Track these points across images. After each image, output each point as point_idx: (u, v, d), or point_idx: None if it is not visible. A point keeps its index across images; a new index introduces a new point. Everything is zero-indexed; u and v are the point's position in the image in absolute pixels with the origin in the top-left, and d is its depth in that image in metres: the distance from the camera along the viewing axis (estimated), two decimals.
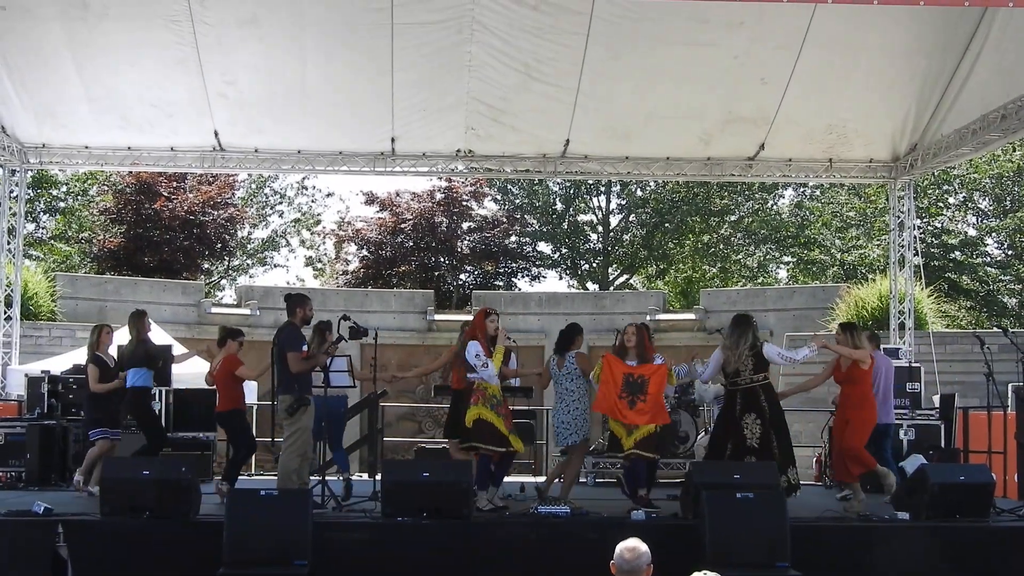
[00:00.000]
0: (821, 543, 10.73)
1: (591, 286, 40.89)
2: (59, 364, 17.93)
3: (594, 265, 41.73)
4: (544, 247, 41.17)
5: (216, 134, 17.79)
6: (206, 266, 37.26)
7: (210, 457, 16.24)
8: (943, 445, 15.24)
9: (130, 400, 13.34)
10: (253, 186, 41.28)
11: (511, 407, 13.35)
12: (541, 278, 39.74)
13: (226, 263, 39.62)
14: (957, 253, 36.20)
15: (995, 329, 17.88)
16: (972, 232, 38.11)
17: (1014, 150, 34.60)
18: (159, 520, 10.45)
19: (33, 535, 10.21)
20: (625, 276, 42.14)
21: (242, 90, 16.81)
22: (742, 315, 12.72)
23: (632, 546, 6.68)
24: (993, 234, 37.82)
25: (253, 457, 19.88)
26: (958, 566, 10.69)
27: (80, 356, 18.15)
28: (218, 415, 13.73)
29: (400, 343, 25.70)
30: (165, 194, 33.04)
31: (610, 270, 41.43)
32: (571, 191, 40.41)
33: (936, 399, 16.59)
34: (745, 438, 11.98)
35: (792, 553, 9.82)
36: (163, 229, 33.01)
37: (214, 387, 13.71)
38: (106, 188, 36.04)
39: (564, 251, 41.44)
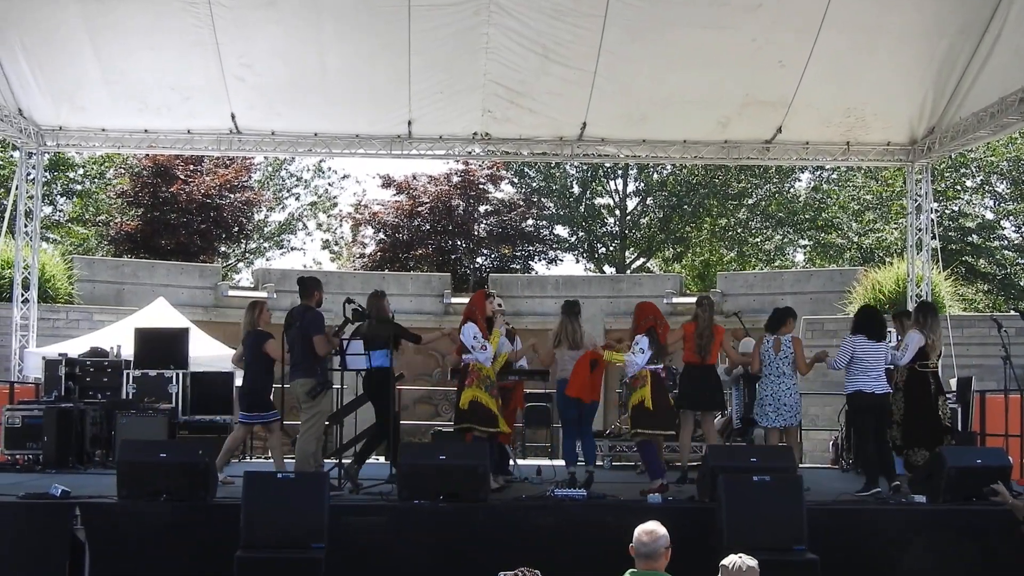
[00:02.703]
0: (838, 527, 10.74)
1: (608, 269, 40.84)
2: (76, 347, 17.99)
3: (611, 248, 41.67)
4: (561, 230, 41.17)
5: (233, 117, 17.79)
6: (223, 249, 37.37)
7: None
8: (960, 428, 15.20)
9: (376, 380, 12.83)
10: (270, 169, 41.34)
11: (525, 390, 13.44)
12: (558, 261, 39.76)
13: (243, 246, 39.68)
14: (974, 236, 36.10)
15: (1012, 312, 17.80)
16: (989, 215, 38.02)
17: None
18: (176, 503, 10.48)
19: (51, 518, 10.24)
20: (642, 259, 42.09)
21: (259, 73, 16.81)
22: (927, 302, 13.07)
23: (651, 529, 6.72)
24: (1010, 217, 37.71)
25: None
26: (975, 550, 10.68)
27: (97, 339, 18.29)
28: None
29: (417, 326, 25.56)
30: (182, 177, 33.14)
31: (627, 253, 41.38)
32: (588, 174, 40.35)
33: (953, 382, 16.53)
34: (940, 419, 12.30)
35: (809, 536, 9.83)
36: (180, 212, 33.12)
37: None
38: (123, 171, 36.17)
39: (581, 234, 41.39)
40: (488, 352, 12.02)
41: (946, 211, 35.29)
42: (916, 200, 19.32)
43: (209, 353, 18.97)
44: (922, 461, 12.73)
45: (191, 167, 33.76)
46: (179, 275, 27.19)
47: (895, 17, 15.69)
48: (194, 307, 25.33)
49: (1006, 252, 37.60)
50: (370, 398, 13.02)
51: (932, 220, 19.34)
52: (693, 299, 27.24)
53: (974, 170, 37.12)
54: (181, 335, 17.27)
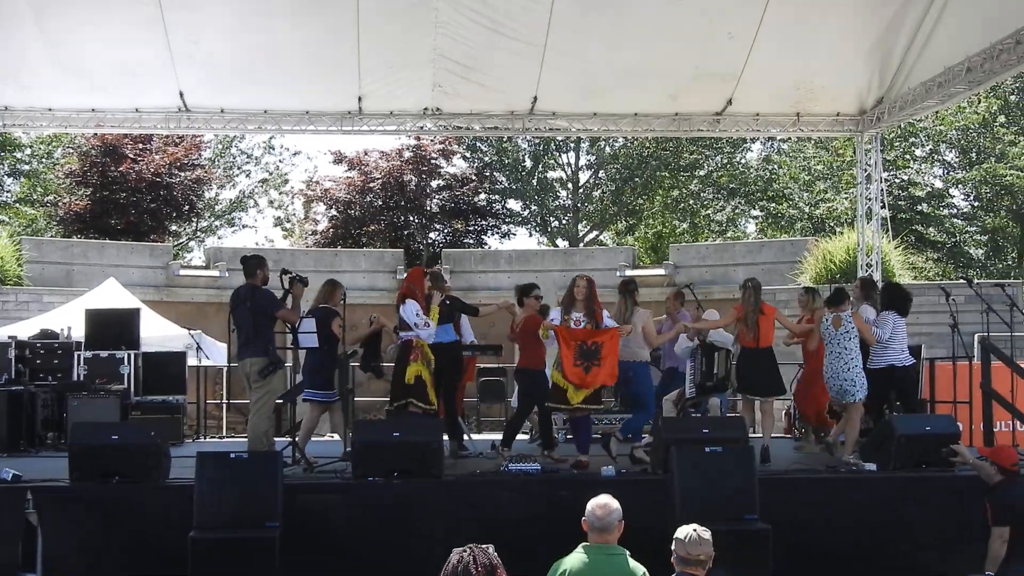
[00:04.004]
0: (789, 495, 10.83)
1: (561, 243, 40.90)
2: (26, 329, 17.84)
3: (564, 222, 41.73)
4: (513, 204, 41.22)
5: (181, 95, 17.61)
6: (174, 228, 37.12)
7: (180, 420, 16.19)
8: (910, 394, 15.33)
9: (452, 355, 12.97)
10: (220, 147, 41.12)
11: (479, 365, 13.49)
12: (511, 235, 39.88)
13: (194, 225, 39.48)
14: (924, 205, 36.36)
15: (961, 280, 17.94)
16: (938, 184, 38.29)
17: (979, 102, 34.75)
18: (129, 485, 10.43)
19: (2, 502, 10.16)
20: (595, 232, 42.19)
21: (207, 50, 16.63)
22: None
23: (603, 503, 6.75)
24: (959, 186, 38.03)
25: (224, 418, 20.00)
26: (924, 515, 10.80)
27: (47, 321, 18.15)
28: (519, 372, 13.21)
29: (370, 303, 25.61)
30: (131, 156, 32.88)
31: (580, 227, 41.45)
32: (540, 148, 40.36)
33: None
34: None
35: (760, 506, 9.91)
36: (129, 191, 32.86)
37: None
38: (71, 150, 35.84)
39: (533, 208, 41.44)
40: (431, 329, 12.04)
41: (896, 180, 35.49)
42: (866, 170, 19.44)
43: (161, 333, 18.86)
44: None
45: (140, 146, 33.49)
46: (129, 255, 27.00)
47: None
48: (145, 287, 25.15)
49: (955, 221, 37.92)
50: (443, 374, 12.90)
51: (882, 190, 19.46)
52: (646, 272, 27.62)
53: (923, 139, 37.38)
54: (132, 315, 17.14)
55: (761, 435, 13.19)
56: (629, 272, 26.76)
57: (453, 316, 12.98)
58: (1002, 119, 35.74)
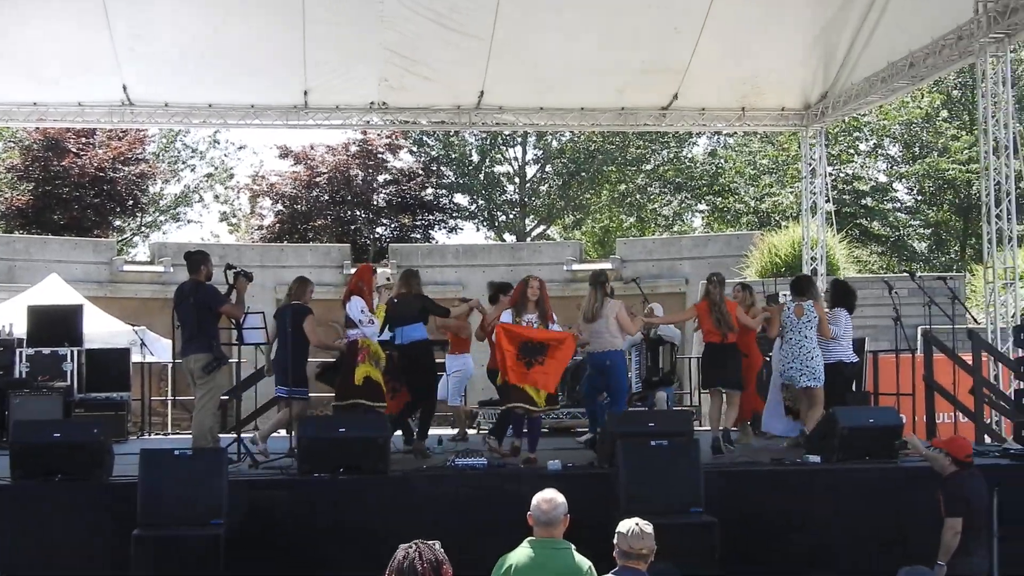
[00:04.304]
0: (735, 488, 10.88)
1: (508, 237, 40.95)
2: None
3: (511, 216, 41.76)
4: (461, 199, 41.15)
5: (125, 88, 17.46)
6: (117, 223, 36.82)
7: (124, 417, 16.04)
8: (854, 388, 15.46)
9: (412, 355, 12.73)
10: (164, 141, 40.75)
11: None
12: (458, 230, 39.85)
13: (138, 220, 39.12)
14: (868, 199, 36.69)
15: (904, 274, 18.12)
16: (882, 178, 38.66)
17: (922, 97, 35.07)
18: (71, 483, 10.32)
19: None
20: (542, 227, 42.25)
21: (151, 43, 16.50)
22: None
23: (549, 497, 6.75)
24: (903, 180, 38.35)
25: (169, 415, 19.86)
26: (868, 506, 10.88)
27: None
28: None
29: (317, 298, 25.27)
30: (74, 150, 32.57)
31: (527, 221, 41.52)
32: (487, 142, 40.34)
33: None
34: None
35: (706, 498, 9.95)
36: (73, 186, 32.55)
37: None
38: (12, 144, 35.41)
39: (481, 203, 41.43)
40: (375, 327, 12.01)
41: (840, 175, 35.78)
42: (811, 164, 19.58)
43: (104, 329, 18.70)
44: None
45: (83, 140, 33.18)
46: (72, 250, 26.74)
47: None
48: (88, 283, 24.92)
49: (899, 214, 38.30)
50: (407, 374, 12.89)
51: (826, 184, 19.61)
52: (593, 266, 27.66)
53: (867, 134, 37.70)
54: (75, 312, 16.97)
55: (716, 427, 13.20)
56: (576, 266, 26.85)
57: (424, 316, 12.88)
58: (945, 114, 36.11)
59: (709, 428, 13.43)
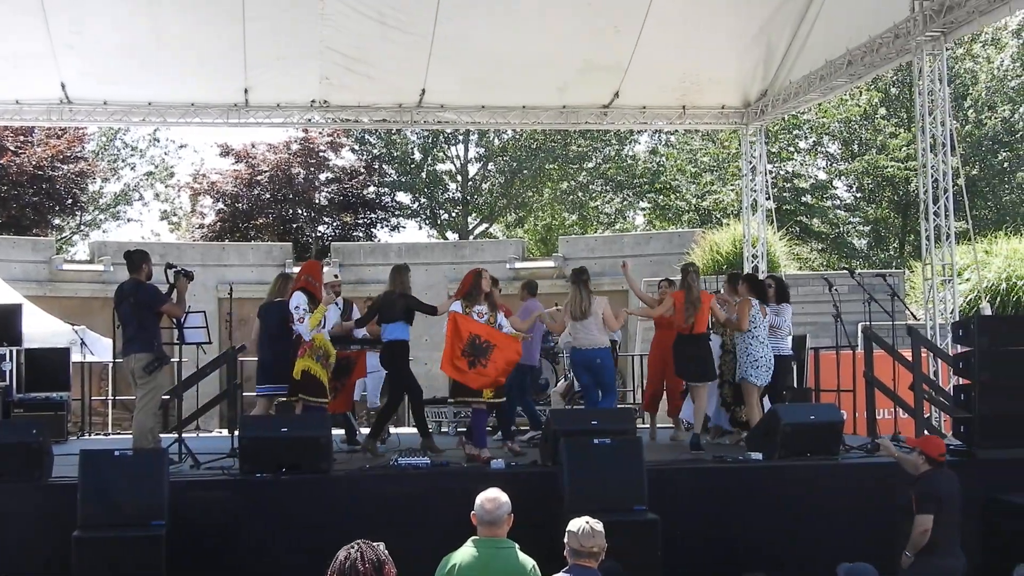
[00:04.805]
0: (677, 486, 10.92)
1: (451, 236, 40.91)
2: None
3: (453, 215, 41.72)
4: (403, 197, 41.03)
5: (63, 86, 17.30)
6: (57, 222, 36.45)
7: (64, 417, 15.89)
8: (795, 385, 15.60)
9: (391, 353, 12.75)
10: (104, 139, 40.40)
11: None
12: (400, 228, 39.81)
13: (78, 218, 38.75)
14: (808, 197, 36.98)
15: (843, 271, 18.28)
16: (822, 176, 38.99)
17: (861, 94, 35.38)
18: (9, 485, 10.19)
19: None
20: (485, 225, 42.26)
21: (89, 40, 16.35)
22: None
23: (493, 496, 6.75)
24: (842, 177, 38.69)
25: (109, 415, 19.68)
26: (810, 503, 10.96)
27: None
28: None
29: (258, 296, 25.24)
30: (12, 148, 32.20)
31: (469, 219, 41.50)
32: (429, 140, 40.24)
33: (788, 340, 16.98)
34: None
35: (649, 496, 9.99)
36: (10, 185, 32.21)
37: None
38: None
39: (423, 201, 41.33)
40: (304, 326, 11.87)
41: (780, 172, 36.03)
42: (751, 162, 19.72)
43: (44, 329, 18.47)
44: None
45: (21, 138, 32.83)
46: (11, 249, 26.41)
47: None
48: (27, 282, 24.62)
49: (838, 212, 38.64)
50: (388, 370, 13.06)
51: (767, 181, 19.76)
52: (536, 264, 27.71)
53: (807, 131, 37.96)
54: (14, 311, 16.75)
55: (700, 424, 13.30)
56: (519, 264, 26.86)
57: (409, 315, 12.84)
58: (883, 111, 36.41)
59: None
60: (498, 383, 11.98)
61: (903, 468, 10.18)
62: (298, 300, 11.96)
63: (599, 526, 6.70)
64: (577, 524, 6.71)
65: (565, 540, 6.72)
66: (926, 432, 12.11)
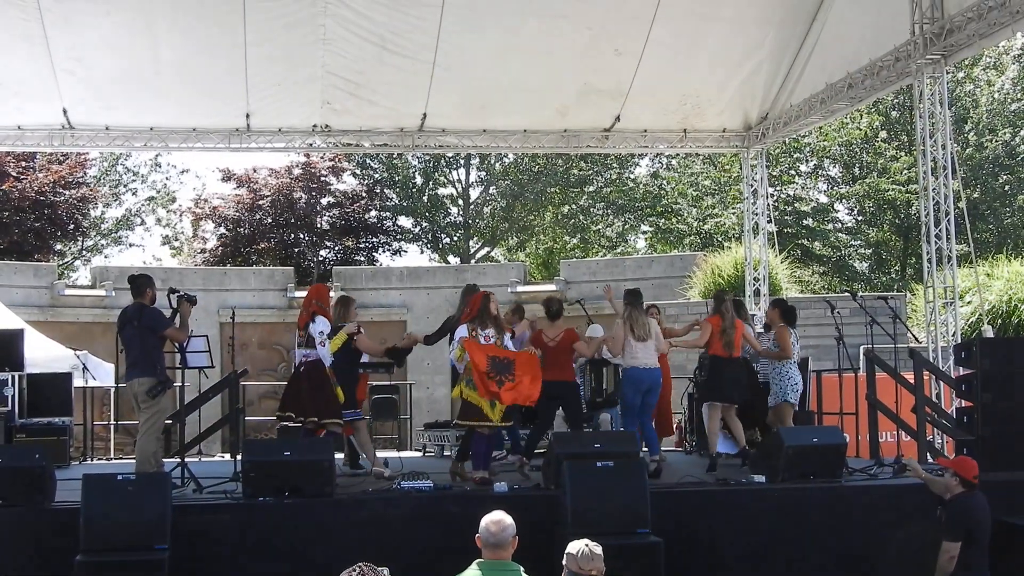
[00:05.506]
0: (681, 509, 10.90)
1: (452, 259, 40.89)
2: None
3: (455, 238, 41.73)
4: (404, 221, 41.03)
5: (65, 112, 17.35)
6: (59, 247, 36.47)
7: (66, 442, 15.86)
8: (798, 408, 15.57)
9: None
10: (105, 164, 40.46)
11: (371, 382, 13.49)
12: (402, 252, 39.73)
13: (80, 244, 38.78)
14: (809, 220, 36.97)
15: (845, 294, 18.30)
16: (823, 199, 39.03)
17: (861, 117, 35.44)
18: (13, 509, 10.19)
19: None
20: (486, 249, 42.26)
21: (90, 67, 16.43)
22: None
23: (497, 519, 6.73)
24: (843, 200, 38.73)
25: (112, 440, 19.65)
26: (813, 526, 10.94)
27: None
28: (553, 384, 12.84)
29: (260, 321, 25.38)
30: (14, 174, 32.23)
31: (471, 243, 41.51)
32: (430, 164, 40.29)
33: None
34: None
35: (652, 519, 9.97)
36: (13, 210, 32.21)
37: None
38: None
39: (425, 225, 41.34)
40: (326, 349, 12.02)
41: (782, 195, 36.06)
42: (752, 185, 19.74)
43: (46, 354, 18.45)
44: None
45: (23, 163, 32.88)
46: (12, 275, 26.39)
47: (726, 7, 16.04)
48: (29, 307, 24.60)
49: (840, 235, 38.62)
50: None
51: (768, 205, 19.79)
52: (537, 287, 27.69)
53: (807, 155, 38.00)
54: (16, 336, 16.73)
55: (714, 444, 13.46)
56: (521, 288, 26.84)
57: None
58: (884, 134, 36.47)
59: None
60: (531, 396, 11.94)
61: (930, 489, 10.13)
62: (322, 325, 12.05)
63: (598, 549, 6.68)
64: (576, 546, 6.69)
65: (564, 563, 6.70)
66: (959, 453, 12.06)
